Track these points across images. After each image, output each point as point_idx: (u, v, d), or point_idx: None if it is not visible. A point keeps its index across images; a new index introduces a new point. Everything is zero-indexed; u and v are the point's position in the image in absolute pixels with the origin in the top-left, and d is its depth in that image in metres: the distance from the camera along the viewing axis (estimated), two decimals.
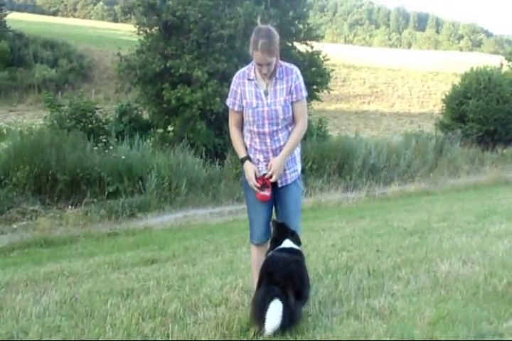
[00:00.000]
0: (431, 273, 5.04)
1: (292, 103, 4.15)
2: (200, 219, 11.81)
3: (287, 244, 4.01)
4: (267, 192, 4.15)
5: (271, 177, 4.13)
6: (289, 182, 4.26)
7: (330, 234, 8.05)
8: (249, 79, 4.18)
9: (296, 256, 3.94)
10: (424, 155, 19.61)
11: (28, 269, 6.91)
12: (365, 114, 48.53)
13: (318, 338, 3.51)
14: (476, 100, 24.51)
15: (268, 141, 4.17)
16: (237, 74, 4.27)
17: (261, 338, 3.56)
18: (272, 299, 3.52)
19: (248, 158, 4.25)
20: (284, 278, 3.66)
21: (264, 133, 4.16)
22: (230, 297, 4.51)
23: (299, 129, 4.22)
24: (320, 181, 15.37)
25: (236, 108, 4.25)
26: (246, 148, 4.29)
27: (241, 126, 4.32)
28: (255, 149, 4.25)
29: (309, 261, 5.71)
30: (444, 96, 27.72)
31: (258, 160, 4.24)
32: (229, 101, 4.29)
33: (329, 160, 16.60)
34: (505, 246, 6.12)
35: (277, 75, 4.11)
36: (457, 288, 4.49)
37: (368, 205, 13.38)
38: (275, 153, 4.17)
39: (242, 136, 4.32)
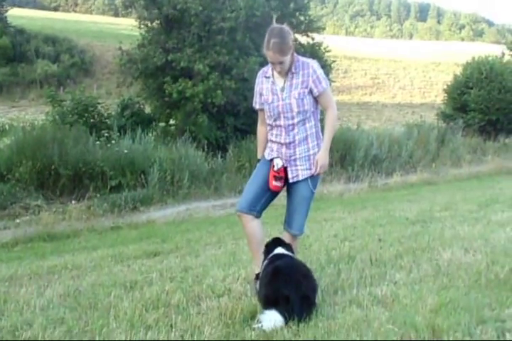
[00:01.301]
0: (433, 262, 5.03)
1: (316, 97, 4.24)
2: (203, 212, 11.83)
3: (279, 250, 4.08)
4: (279, 183, 4.30)
5: (285, 169, 4.27)
6: (300, 178, 4.32)
7: (332, 225, 8.06)
8: (266, 77, 4.32)
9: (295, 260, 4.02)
10: (426, 145, 19.61)
11: (31, 263, 6.94)
12: (366, 106, 48.45)
13: (320, 326, 3.51)
14: (478, 90, 24.46)
15: (283, 134, 4.26)
16: (258, 73, 4.43)
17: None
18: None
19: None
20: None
21: (280, 126, 4.26)
22: (233, 287, 4.52)
23: (331, 116, 4.33)
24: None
25: (258, 106, 4.44)
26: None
27: (265, 123, 4.45)
28: (271, 140, 4.39)
29: (312, 251, 5.75)
30: (445, 87, 27.68)
31: (272, 149, 4.38)
32: (253, 102, 4.47)
33: (331, 151, 16.45)
34: (507, 234, 6.12)
35: (293, 70, 4.18)
36: (459, 275, 4.48)
37: (370, 196, 13.37)
38: (288, 147, 4.26)
39: (266, 135, 4.45)
